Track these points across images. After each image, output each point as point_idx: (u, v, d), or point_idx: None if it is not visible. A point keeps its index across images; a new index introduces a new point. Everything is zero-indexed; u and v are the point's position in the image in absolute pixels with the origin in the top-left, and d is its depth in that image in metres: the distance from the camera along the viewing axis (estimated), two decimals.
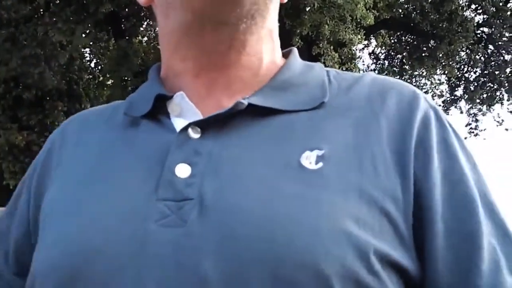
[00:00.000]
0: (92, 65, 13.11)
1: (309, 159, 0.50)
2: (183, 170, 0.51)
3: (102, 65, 11.92)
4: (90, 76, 12.58)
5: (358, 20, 7.43)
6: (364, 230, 0.47)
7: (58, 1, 8.90)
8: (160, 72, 0.64)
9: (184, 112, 0.57)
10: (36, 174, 0.64)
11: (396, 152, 0.52)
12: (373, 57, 12.85)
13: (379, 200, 0.49)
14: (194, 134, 0.54)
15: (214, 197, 0.48)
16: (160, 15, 0.61)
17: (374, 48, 12.70)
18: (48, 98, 11.00)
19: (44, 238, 0.55)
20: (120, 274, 0.46)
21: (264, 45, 0.60)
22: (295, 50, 0.66)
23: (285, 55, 0.65)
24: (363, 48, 12.24)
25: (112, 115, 0.64)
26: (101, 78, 12.35)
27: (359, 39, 7.68)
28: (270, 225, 0.45)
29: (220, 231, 0.46)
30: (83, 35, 9.64)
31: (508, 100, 11.62)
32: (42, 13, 9.55)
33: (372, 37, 11.65)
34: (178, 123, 0.56)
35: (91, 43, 10.59)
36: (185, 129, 0.54)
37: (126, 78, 9.03)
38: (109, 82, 10.96)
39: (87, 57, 12.68)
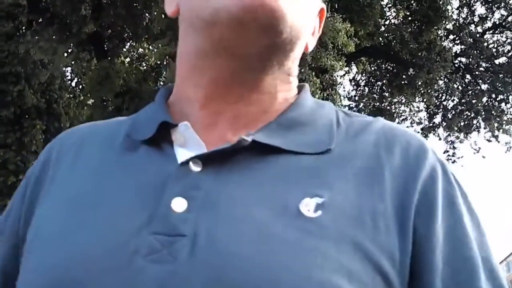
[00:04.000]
0: (73, 84, 13.05)
1: (308, 207, 0.49)
2: (179, 204, 0.49)
3: (83, 85, 11.86)
4: (71, 96, 12.51)
5: (340, 48, 7.55)
6: (355, 286, 0.45)
7: (40, 20, 8.88)
8: (168, 95, 0.63)
9: (188, 143, 0.55)
10: (31, 185, 0.61)
11: (398, 208, 0.51)
12: (353, 83, 13.02)
13: (375, 256, 0.47)
14: (195, 167, 0.52)
15: (207, 237, 0.46)
16: (181, 34, 0.60)
17: (355, 75, 12.89)
18: (27, 116, 10.88)
19: (28, 263, 0.53)
20: None
21: (279, 86, 0.59)
22: (307, 87, 0.64)
23: (298, 89, 0.63)
24: (344, 75, 12.40)
25: (113, 134, 0.61)
26: (81, 98, 12.27)
27: (340, 65, 7.79)
28: (259, 271, 0.44)
29: (208, 273, 0.44)
30: (65, 55, 9.60)
31: (485, 128, 11.83)
32: (24, 31, 9.51)
33: (353, 64, 11.82)
34: (181, 154, 0.54)
35: (72, 62, 10.55)
36: (186, 162, 0.52)
37: (107, 98, 8.99)
38: (90, 102, 10.89)
39: (68, 76, 12.62)
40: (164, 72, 9.57)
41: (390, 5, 11.06)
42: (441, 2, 9.97)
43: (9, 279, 0.56)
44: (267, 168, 0.52)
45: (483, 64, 11.58)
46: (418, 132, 12.09)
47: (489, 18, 11.79)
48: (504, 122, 11.60)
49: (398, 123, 9.91)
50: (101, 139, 0.61)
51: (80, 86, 12.73)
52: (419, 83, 10.82)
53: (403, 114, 12.59)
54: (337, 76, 10.17)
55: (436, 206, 0.52)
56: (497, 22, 11.78)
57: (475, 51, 11.39)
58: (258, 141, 0.53)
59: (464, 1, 11.59)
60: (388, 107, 12.16)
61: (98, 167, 0.57)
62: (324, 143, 0.55)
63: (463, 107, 11.97)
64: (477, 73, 11.67)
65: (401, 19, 11.04)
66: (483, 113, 11.56)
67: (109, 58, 9.32)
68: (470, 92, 11.88)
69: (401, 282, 0.48)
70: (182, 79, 0.60)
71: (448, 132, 12.30)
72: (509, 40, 11.74)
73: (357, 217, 0.49)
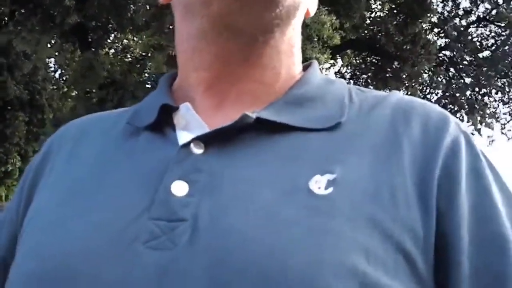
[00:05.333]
0: (57, 75, 12.92)
1: (318, 184, 0.45)
2: (180, 188, 0.46)
3: (67, 76, 11.74)
4: (54, 87, 12.38)
5: (325, 40, 7.57)
6: (374, 266, 0.41)
7: (23, 10, 8.75)
8: (172, 82, 0.61)
9: (189, 125, 0.53)
10: (29, 178, 0.60)
11: (419, 182, 0.47)
12: (338, 76, 13.07)
13: (395, 233, 0.43)
14: (196, 149, 0.49)
15: (208, 221, 0.43)
16: (177, 18, 0.58)
17: (340, 67, 12.94)
18: (9, 107, 10.75)
19: (21, 250, 0.51)
20: None
21: (283, 60, 0.56)
22: (315, 64, 0.61)
23: (305, 69, 0.60)
24: (329, 68, 12.43)
25: (115, 124, 0.59)
26: (65, 89, 12.16)
27: (325, 58, 7.80)
28: (265, 253, 0.41)
29: (210, 257, 0.41)
30: (49, 46, 9.49)
31: (468, 121, 11.95)
32: (6, 21, 9.38)
33: (338, 57, 11.86)
34: (183, 137, 0.52)
35: (56, 53, 10.44)
36: (187, 144, 0.49)
37: (91, 90, 8.91)
38: (74, 94, 10.80)
39: (51, 67, 12.50)
40: (149, 64, 9.51)
41: None
42: None
43: (8, 270, 0.54)
44: (274, 147, 0.49)
45: (467, 58, 11.69)
46: None
47: (473, 12, 11.90)
48: (487, 115, 11.74)
49: None
50: (102, 129, 0.60)
51: (64, 78, 12.60)
52: (404, 76, 10.90)
53: None
54: (323, 68, 10.20)
55: (458, 180, 0.48)
56: (481, 16, 11.89)
57: (459, 45, 11.49)
58: (264, 118, 0.49)
59: None
60: None
61: (98, 155, 0.55)
62: (334, 117, 0.51)
63: (446, 100, 12.08)
64: (461, 66, 11.78)
65: (386, 12, 11.08)
66: (466, 106, 11.68)
67: (93, 49, 9.24)
68: (454, 85, 12.00)
69: (425, 260, 0.44)
70: (182, 64, 0.58)
71: None
72: (492, 34, 11.86)
73: (373, 193, 0.45)
